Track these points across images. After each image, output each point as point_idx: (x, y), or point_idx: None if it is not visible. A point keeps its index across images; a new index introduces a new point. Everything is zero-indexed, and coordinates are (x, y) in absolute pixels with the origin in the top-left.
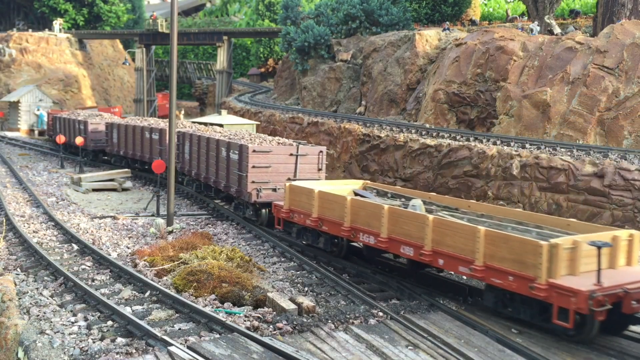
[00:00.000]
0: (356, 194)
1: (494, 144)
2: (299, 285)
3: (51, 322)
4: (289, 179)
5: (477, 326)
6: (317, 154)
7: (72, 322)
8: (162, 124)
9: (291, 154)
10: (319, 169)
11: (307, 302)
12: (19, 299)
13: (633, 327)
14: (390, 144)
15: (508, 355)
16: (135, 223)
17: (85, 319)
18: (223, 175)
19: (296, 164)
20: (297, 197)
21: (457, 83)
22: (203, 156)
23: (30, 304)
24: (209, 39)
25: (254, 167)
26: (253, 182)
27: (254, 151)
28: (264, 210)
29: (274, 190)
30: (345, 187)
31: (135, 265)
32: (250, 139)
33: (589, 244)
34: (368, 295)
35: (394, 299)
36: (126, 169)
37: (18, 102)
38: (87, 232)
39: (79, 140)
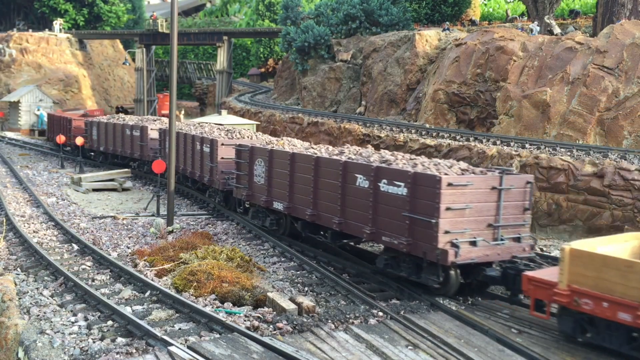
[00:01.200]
0: None
1: (494, 144)
2: (299, 285)
3: (51, 322)
4: (489, 226)
5: (477, 326)
6: (523, 185)
7: (72, 322)
8: (216, 132)
9: (493, 188)
10: (525, 209)
11: (307, 302)
12: (19, 298)
13: None
14: (390, 144)
15: (508, 355)
16: (135, 223)
17: (86, 319)
18: (364, 217)
19: (499, 202)
20: (592, 272)
21: (457, 83)
22: (306, 183)
23: (31, 303)
24: (209, 39)
25: (448, 209)
26: (447, 232)
27: (449, 185)
28: (452, 273)
29: (473, 244)
30: (624, 245)
31: (136, 265)
32: (409, 163)
33: None
34: (368, 295)
35: (394, 299)
36: (126, 169)
37: (18, 102)
38: (87, 232)
39: (79, 140)
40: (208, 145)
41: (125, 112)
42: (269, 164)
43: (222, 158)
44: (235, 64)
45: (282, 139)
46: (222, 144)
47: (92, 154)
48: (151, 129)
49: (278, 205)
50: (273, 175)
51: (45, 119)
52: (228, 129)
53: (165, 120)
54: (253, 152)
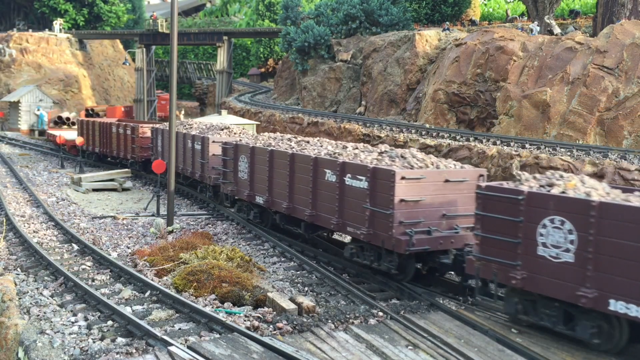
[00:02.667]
0: None
1: (494, 144)
2: (299, 285)
3: (51, 322)
4: None
5: (477, 326)
6: None
7: (72, 322)
8: (364, 154)
9: None
10: None
11: (307, 302)
12: (19, 298)
13: None
14: (390, 144)
15: (508, 355)
16: (135, 223)
17: (86, 319)
18: None
19: None
20: None
21: (457, 83)
22: None
23: (31, 303)
24: (209, 39)
25: None
26: None
27: None
28: None
29: None
30: None
31: (136, 265)
32: None
33: None
34: (368, 295)
35: (394, 299)
36: (126, 169)
37: (18, 102)
38: (87, 232)
39: (79, 140)
40: (335, 174)
41: (97, 115)
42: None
43: (402, 200)
44: (235, 64)
45: (570, 177)
46: (403, 178)
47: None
48: (213, 142)
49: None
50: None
51: (46, 118)
52: (384, 149)
53: (236, 128)
54: (542, 204)
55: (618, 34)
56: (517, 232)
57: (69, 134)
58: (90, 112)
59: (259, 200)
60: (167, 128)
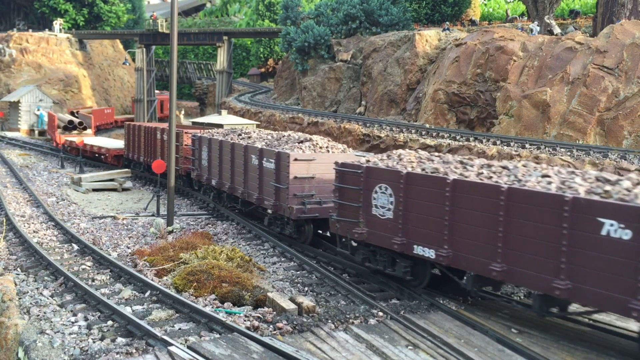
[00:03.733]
0: None
1: (494, 144)
2: (299, 285)
3: (51, 322)
4: None
5: (477, 326)
6: None
7: (72, 322)
8: (595, 184)
9: None
10: None
11: (307, 302)
12: (19, 299)
13: (633, 327)
14: (390, 144)
15: (508, 355)
16: (135, 223)
17: (86, 319)
18: None
19: None
20: None
21: (457, 83)
22: None
23: (31, 304)
24: (209, 39)
25: None
26: None
27: None
28: None
29: None
30: None
31: (136, 265)
32: None
33: None
34: (368, 295)
35: (394, 299)
36: (126, 169)
37: (18, 102)
38: (87, 232)
39: (78, 139)
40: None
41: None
42: None
43: None
44: (235, 64)
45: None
46: None
47: (200, 187)
48: (295, 160)
49: None
50: None
51: (46, 118)
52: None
53: (320, 141)
54: None
55: (618, 34)
56: None
57: (96, 141)
58: (76, 114)
59: (424, 252)
60: (214, 136)
